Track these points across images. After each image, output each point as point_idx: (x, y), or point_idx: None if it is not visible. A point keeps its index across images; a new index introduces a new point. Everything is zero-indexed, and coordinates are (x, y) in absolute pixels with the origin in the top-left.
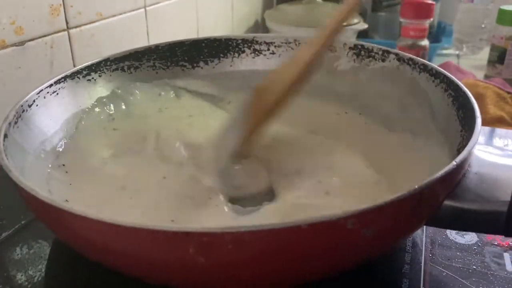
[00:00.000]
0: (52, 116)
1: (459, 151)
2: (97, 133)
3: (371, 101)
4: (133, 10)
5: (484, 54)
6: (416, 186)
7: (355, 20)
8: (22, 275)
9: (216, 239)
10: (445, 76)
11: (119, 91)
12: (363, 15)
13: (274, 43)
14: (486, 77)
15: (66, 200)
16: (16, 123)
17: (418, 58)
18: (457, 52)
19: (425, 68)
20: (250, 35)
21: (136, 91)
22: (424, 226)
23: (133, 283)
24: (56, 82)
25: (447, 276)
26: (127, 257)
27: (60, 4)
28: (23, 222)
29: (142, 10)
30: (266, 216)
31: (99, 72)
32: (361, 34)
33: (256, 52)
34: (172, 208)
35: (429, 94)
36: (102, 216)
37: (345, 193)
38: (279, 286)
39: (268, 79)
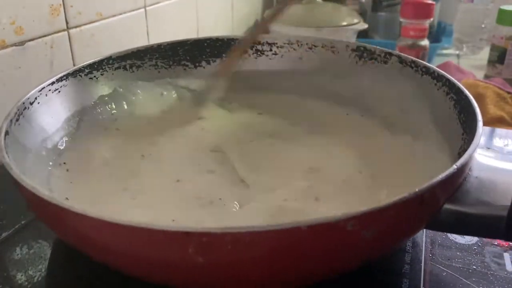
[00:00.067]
0: (54, 114)
1: (460, 155)
2: (98, 132)
3: (373, 103)
4: (133, 10)
5: (484, 54)
6: (417, 189)
7: (355, 20)
8: (22, 275)
9: (215, 239)
10: (447, 79)
11: (121, 89)
12: (363, 15)
13: (276, 43)
14: (486, 77)
15: (67, 198)
16: (17, 120)
17: (421, 61)
18: (457, 52)
19: (427, 71)
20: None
21: (138, 91)
22: None
23: (133, 283)
24: (58, 80)
25: (447, 276)
26: (126, 256)
27: (60, 4)
28: (23, 222)
29: (142, 10)
30: (253, 217)
31: (101, 70)
32: (361, 34)
33: (258, 53)
34: (174, 208)
35: (431, 97)
36: (102, 214)
37: (333, 198)
38: (279, 287)
39: None
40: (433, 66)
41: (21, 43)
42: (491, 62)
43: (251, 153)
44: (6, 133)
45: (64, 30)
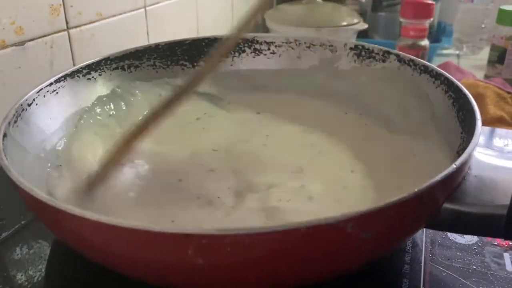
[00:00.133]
0: (52, 115)
1: (459, 154)
2: (97, 133)
3: (371, 102)
4: (133, 10)
5: (484, 54)
6: (416, 189)
7: (355, 20)
8: (22, 275)
9: (215, 241)
10: (445, 77)
11: (119, 90)
12: (363, 15)
13: (274, 42)
14: (486, 77)
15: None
16: (15, 122)
17: (419, 59)
18: (457, 52)
19: (425, 70)
20: (251, 35)
21: (137, 91)
22: None
23: (133, 284)
24: (56, 81)
25: (447, 276)
26: (125, 258)
27: (60, 4)
28: (23, 222)
29: (142, 10)
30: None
31: (99, 71)
32: (361, 34)
33: (257, 52)
34: (175, 207)
35: (430, 96)
36: (100, 216)
37: (326, 198)
38: None
39: None
40: (431, 64)
41: (21, 43)
42: (491, 62)
43: (249, 152)
44: (4, 135)
45: (64, 30)
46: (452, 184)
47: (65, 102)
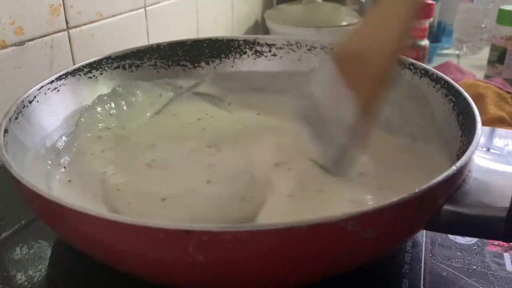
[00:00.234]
0: (53, 112)
1: (458, 156)
2: (97, 131)
3: None
4: (133, 10)
5: (484, 54)
6: (417, 190)
7: (355, 20)
8: (22, 275)
9: (215, 238)
10: (446, 81)
11: (120, 89)
12: (363, 15)
13: (275, 44)
14: (486, 77)
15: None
16: (16, 118)
17: (420, 63)
18: (457, 52)
19: (426, 73)
20: (252, 36)
21: (137, 91)
22: None
23: (133, 283)
24: (57, 79)
25: (447, 276)
26: (125, 254)
27: (60, 4)
28: (23, 222)
29: (142, 10)
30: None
31: (100, 69)
32: None
33: (258, 54)
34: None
35: (430, 99)
36: (101, 212)
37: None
38: (278, 287)
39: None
40: (432, 68)
41: (21, 43)
42: (491, 62)
43: (248, 152)
44: (5, 131)
45: (64, 30)
46: (453, 186)
47: (66, 100)
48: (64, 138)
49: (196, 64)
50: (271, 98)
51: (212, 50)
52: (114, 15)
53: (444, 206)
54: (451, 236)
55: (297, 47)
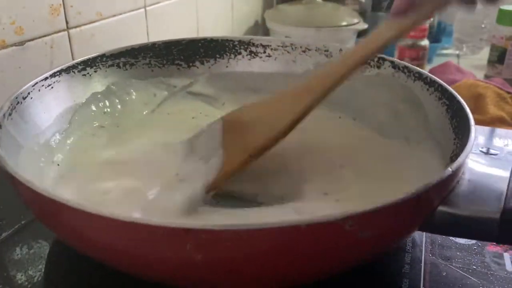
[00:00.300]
0: (47, 109)
1: (452, 159)
2: (90, 129)
3: (365, 107)
4: (133, 10)
5: (484, 54)
6: (414, 190)
7: (355, 20)
8: (22, 275)
9: (214, 236)
10: (439, 84)
11: (114, 87)
12: (363, 15)
13: (270, 46)
14: (486, 77)
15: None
16: (10, 115)
17: (413, 66)
18: (457, 52)
19: (420, 77)
20: (247, 37)
21: (131, 89)
22: None
23: (133, 283)
24: (52, 76)
25: (447, 276)
26: (123, 252)
27: (60, 4)
28: (23, 222)
29: (142, 10)
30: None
31: (94, 67)
32: (361, 34)
33: (252, 54)
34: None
35: (424, 102)
36: (98, 209)
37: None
38: (277, 286)
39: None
40: (425, 71)
41: (21, 43)
42: (491, 62)
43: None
44: None
45: (64, 30)
46: (447, 188)
47: (60, 97)
48: (57, 135)
49: (190, 64)
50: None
51: (207, 50)
52: (114, 15)
53: (438, 207)
54: (451, 236)
55: (292, 48)
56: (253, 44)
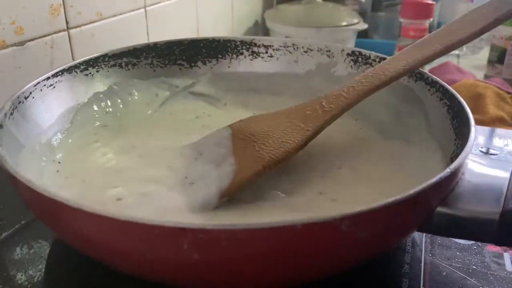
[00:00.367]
0: (48, 109)
1: (452, 160)
2: (92, 128)
3: (366, 107)
4: (133, 10)
5: (484, 54)
6: (412, 191)
7: (355, 20)
8: (22, 275)
9: (211, 236)
10: (441, 85)
11: (116, 87)
12: (363, 15)
13: (272, 46)
14: (486, 77)
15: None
16: (11, 114)
17: None
18: (457, 52)
19: (421, 77)
20: (249, 37)
21: (133, 89)
22: None
23: (133, 283)
24: (54, 75)
25: (447, 276)
26: (120, 251)
27: (60, 4)
28: (23, 222)
29: (142, 10)
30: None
31: (96, 67)
32: (361, 34)
33: (254, 55)
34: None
35: (425, 103)
36: (96, 208)
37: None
38: (276, 285)
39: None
40: (427, 72)
41: (21, 43)
42: (491, 62)
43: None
44: (0, 126)
45: (64, 30)
46: (446, 188)
47: (62, 96)
48: (59, 134)
49: (192, 64)
50: (267, 99)
51: (209, 50)
52: (114, 15)
53: (437, 208)
54: (450, 237)
55: (294, 48)
56: (255, 45)
